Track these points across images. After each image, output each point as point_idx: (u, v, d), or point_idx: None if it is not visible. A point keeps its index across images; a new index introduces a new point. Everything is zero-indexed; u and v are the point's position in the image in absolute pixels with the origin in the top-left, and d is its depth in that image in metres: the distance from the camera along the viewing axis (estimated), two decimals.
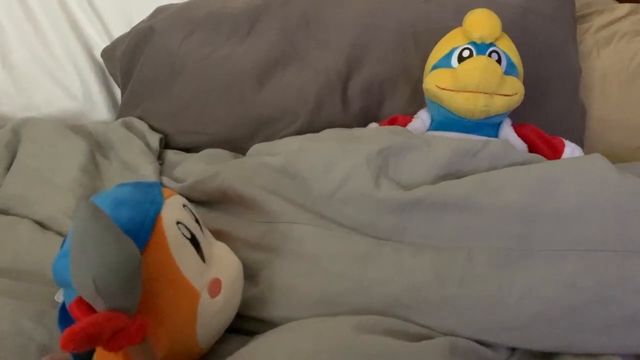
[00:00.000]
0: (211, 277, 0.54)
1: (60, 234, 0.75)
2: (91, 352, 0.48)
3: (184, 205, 0.57)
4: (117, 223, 0.47)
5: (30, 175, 0.86)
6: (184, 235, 0.53)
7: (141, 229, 0.50)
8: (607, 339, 0.56)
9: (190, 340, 0.52)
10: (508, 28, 0.83)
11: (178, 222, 0.53)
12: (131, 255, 0.43)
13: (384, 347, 0.52)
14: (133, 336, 0.42)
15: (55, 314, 0.59)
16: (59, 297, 0.59)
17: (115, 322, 0.41)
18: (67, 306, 0.48)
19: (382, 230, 0.63)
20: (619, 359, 0.56)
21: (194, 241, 0.54)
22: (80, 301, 0.43)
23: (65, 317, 0.49)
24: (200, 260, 0.54)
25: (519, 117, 0.88)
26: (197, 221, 0.58)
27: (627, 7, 1.17)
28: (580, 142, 0.97)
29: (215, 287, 0.54)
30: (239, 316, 0.63)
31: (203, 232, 0.59)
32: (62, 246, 0.54)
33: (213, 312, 0.53)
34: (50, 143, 0.93)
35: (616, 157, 0.80)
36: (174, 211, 0.54)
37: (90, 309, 0.42)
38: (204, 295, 0.52)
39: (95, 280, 0.40)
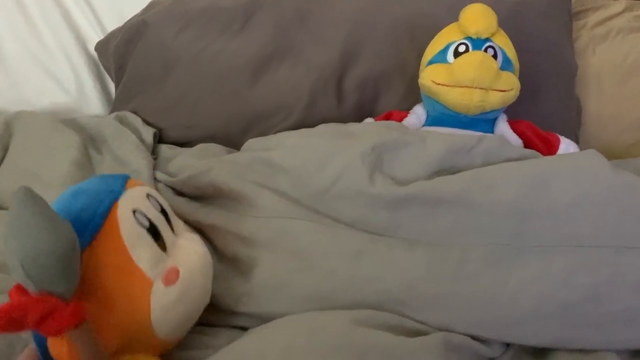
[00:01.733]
0: (168, 265, 0.54)
1: None
2: None
3: (148, 195, 0.57)
4: (70, 210, 0.50)
5: (22, 169, 0.86)
6: (140, 224, 0.53)
7: (93, 217, 0.50)
8: (600, 334, 0.57)
9: (145, 330, 0.51)
10: (503, 24, 0.83)
11: (135, 210, 0.53)
12: (62, 239, 0.43)
13: (378, 342, 0.52)
14: (66, 320, 0.42)
15: None
16: None
17: (43, 305, 0.41)
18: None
19: (376, 226, 0.63)
20: (612, 355, 0.56)
21: (152, 230, 0.54)
22: (18, 287, 0.43)
23: None
24: (157, 249, 0.54)
25: (514, 113, 0.88)
26: (163, 211, 0.58)
27: (622, 4, 1.17)
28: (575, 138, 0.98)
29: (171, 275, 0.53)
30: (231, 312, 0.63)
31: (171, 223, 0.59)
32: None
33: (168, 302, 0.52)
34: (43, 137, 0.92)
35: (611, 154, 0.80)
36: (132, 200, 0.54)
37: (26, 293, 0.43)
38: (157, 284, 0.52)
39: (22, 263, 0.41)
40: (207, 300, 0.59)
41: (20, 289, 0.43)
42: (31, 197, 0.43)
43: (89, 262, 0.48)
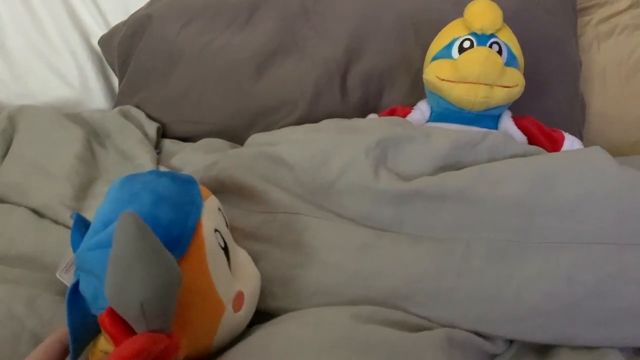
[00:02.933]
0: (236, 290, 0.52)
1: (55, 221, 0.75)
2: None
3: (218, 209, 0.54)
4: (158, 223, 0.45)
5: (26, 163, 0.86)
6: (220, 245, 0.50)
7: (182, 235, 0.46)
8: (605, 331, 0.56)
9: (204, 348, 0.50)
10: (508, 20, 0.83)
11: (215, 230, 0.50)
12: (175, 276, 0.40)
13: (382, 337, 0.52)
14: (171, 355, 0.41)
15: (47, 298, 0.59)
16: (62, 275, 0.58)
17: (159, 345, 0.39)
18: (83, 293, 0.46)
19: (381, 221, 0.63)
20: (616, 352, 0.56)
21: (226, 251, 0.51)
22: (113, 315, 0.40)
23: (75, 298, 0.46)
24: (229, 272, 0.51)
25: (519, 110, 0.88)
26: (226, 225, 0.55)
27: (627, 0, 1.17)
28: (579, 135, 0.97)
29: (239, 301, 0.51)
30: None
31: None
32: (74, 231, 0.51)
33: (233, 325, 0.51)
34: (47, 131, 0.92)
35: (615, 151, 0.80)
36: (212, 216, 0.51)
37: (125, 325, 0.40)
38: (229, 309, 0.50)
39: (143, 304, 0.38)
40: None
41: (116, 319, 0.40)
42: (143, 227, 0.39)
43: None
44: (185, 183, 0.51)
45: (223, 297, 0.49)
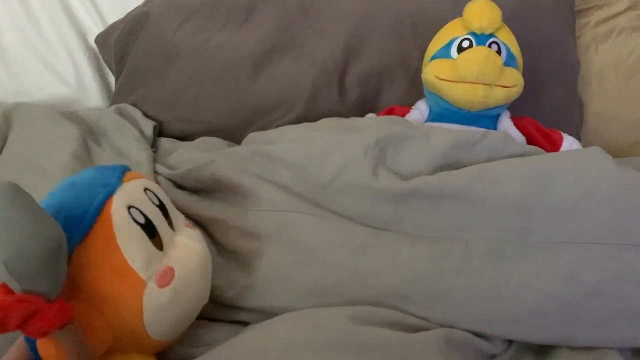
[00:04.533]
0: (163, 265, 0.51)
1: None
2: None
3: (145, 189, 0.55)
4: (62, 205, 0.48)
5: (21, 161, 0.85)
6: (136, 221, 0.50)
7: (85, 213, 0.48)
8: (603, 332, 0.56)
9: (138, 331, 0.49)
10: (507, 20, 0.83)
11: (130, 207, 0.51)
12: (48, 238, 0.41)
13: (379, 338, 0.52)
14: (50, 320, 0.41)
15: None
16: None
17: (26, 305, 0.40)
18: None
19: (379, 220, 0.62)
20: (615, 353, 0.56)
21: (148, 227, 0.52)
22: (2, 284, 0.42)
23: None
24: (152, 247, 0.51)
25: (517, 110, 0.88)
26: (161, 206, 0.55)
27: (625, 2, 1.17)
28: (577, 136, 0.97)
29: (165, 276, 0.51)
30: (232, 306, 0.62)
31: (170, 218, 0.56)
32: None
33: (162, 303, 0.50)
34: (42, 129, 0.92)
35: (613, 152, 0.79)
36: (128, 195, 0.52)
37: (10, 293, 0.41)
38: (151, 285, 0.49)
39: (6, 262, 0.39)
40: (205, 300, 0.57)
41: (4, 288, 0.42)
42: (17, 193, 0.41)
43: (80, 261, 0.47)
44: (107, 169, 0.53)
45: (141, 273, 0.49)
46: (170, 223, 0.56)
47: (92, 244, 0.47)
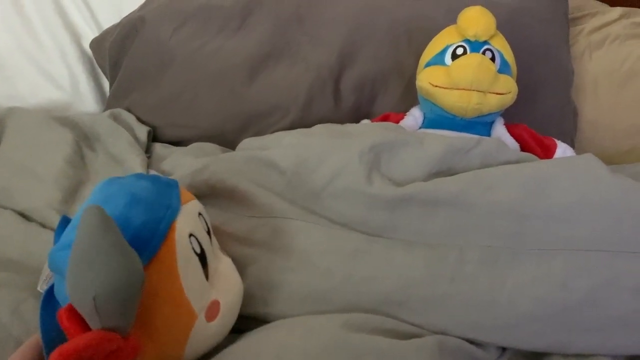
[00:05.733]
0: (211, 298, 0.50)
1: (43, 225, 0.73)
2: None
3: (199, 214, 0.53)
4: (129, 224, 0.45)
5: (15, 166, 0.84)
6: (194, 250, 0.49)
7: (152, 237, 0.45)
8: (597, 339, 0.56)
9: (176, 357, 0.48)
10: (501, 28, 0.83)
11: (191, 235, 0.49)
12: (136, 275, 0.39)
13: (372, 345, 0.51)
14: (127, 357, 0.40)
15: (32, 303, 0.57)
16: (43, 287, 0.57)
17: (110, 344, 0.38)
18: (57, 296, 0.46)
19: (373, 226, 0.62)
20: None
21: (202, 257, 0.50)
22: (72, 311, 0.39)
23: (50, 302, 0.46)
24: (204, 279, 0.50)
25: (511, 117, 0.88)
26: (208, 232, 0.54)
27: (618, 10, 1.18)
28: (571, 143, 0.98)
29: (213, 310, 0.50)
30: None
31: (212, 244, 0.55)
32: (57, 233, 0.51)
33: (206, 336, 0.50)
34: (36, 134, 0.91)
35: (606, 160, 0.79)
36: (188, 220, 0.50)
37: (82, 321, 0.39)
38: (201, 318, 0.48)
39: (96, 299, 0.37)
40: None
41: (74, 315, 0.39)
42: (107, 222, 0.39)
43: None
44: (165, 186, 0.51)
45: (194, 305, 0.48)
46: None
47: (155, 269, 0.45)
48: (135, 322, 0.43)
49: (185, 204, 0.51)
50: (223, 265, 0.55)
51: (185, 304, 0.47)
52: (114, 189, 0.48)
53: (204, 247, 0.51)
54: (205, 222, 0.54)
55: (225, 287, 0.53)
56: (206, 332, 0.49)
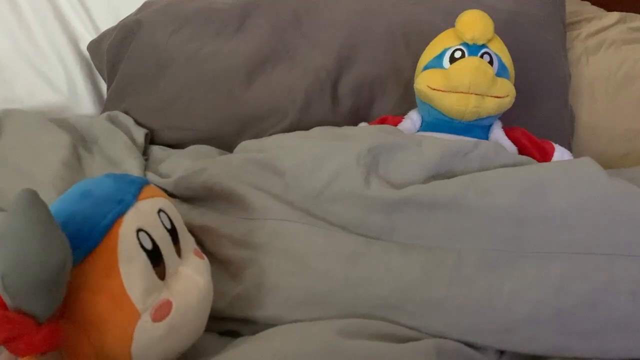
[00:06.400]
0: (162, 298, 0.48)
1: None
2: None
3: (159, 211, 0.51)
4: (74, 217, 0.45)
5: (11, 168, 0.84)
6: (142, 246, 0.47)
7: (92, 231, 0.45)
8: (595, 342, 0.56)
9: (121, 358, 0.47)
10: (498, 32, 0.83)
11: (140, 230, 0.48)
12: (53, 259, 0.38)
13: (368, 350, 0.51)
14: (35, 345, 0.39)
15: None
16: None
17: (11, 327, 0.38)
18: None
19: (371, 229, 0.62)
20: None
21: (154, 253, 0.48)
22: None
23: None
24: (154, 276, 0.48)
25: (508, 121, 0.88)
26: (172, 230, 0.52)
27: (615, 15, 1.19)
28: (568, 147, 0.98)
29: (163, 310, 0.47)
30: (222, 317, 0.62)
31: (180, 244, 0.53)
32: None
33: (153, 337, 0.47)
34: (33, 136, 0.91)
35: (603, 164, 0.79)
36: (140, 216, 0.48)
37: (4, 305, 0.39)
38: (145, 318, 0.46)
39: (4, 277, 0.37)
40: (199, 334, 0.54)
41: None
42: (32, 203, 0.38)
43: (76, 281, 0.44)
44: (127, 183, 0.50)
45: (137, 303, 0.46)
46: (178, 249, 0.53)
47: (92, 264, 0.45)
48: (70, 316, 0.43)
49: (143, 199, 0.50)
50: (186, 268, 0.53)
51: (126, 301, 0.45)
52: (77, 186, 0.49)
53: (159, 244, 0.49)
54: (170, 219, 0.53)
55: (184, 289, 0.50)
56: (153, 333, 0.47)
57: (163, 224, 0.51)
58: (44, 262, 0.38)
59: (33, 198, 0.39)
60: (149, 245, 0.48)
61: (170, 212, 0.53)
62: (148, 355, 0.47)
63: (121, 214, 0.47)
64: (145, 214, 0.49)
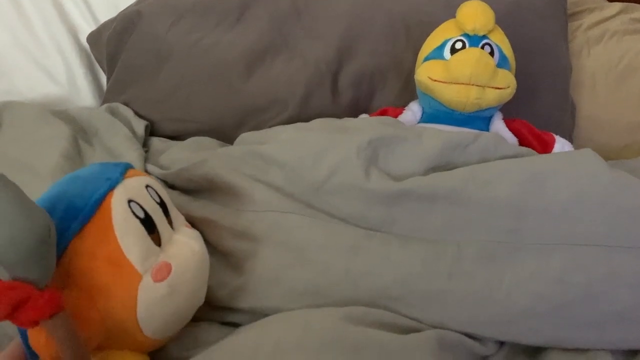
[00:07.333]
0: (160, 260, 0.51)
1: None
2: None
3: (147, 186, 0.55)
4: (65, 195, 0.49)
5: (11, 160, 0.84)
6: (135, 215, 0.51)
7: (86, 204, 0.48)
8: (595, 334, 0.56)
9: (131, 326, 0.49)
10: (500, 23, 0.83)
11: (130, 200, 0.51)
12: (37, 226, 0.41)
13: (371, 339, 0.51)
14: (40, 308, 0.41)
15: None
16: None
17: (16, 292, 0.40)
18: None
19: (371, 221, 0.62)
20: (607, 355, 0.56)
21: (147, 222, 0.52)
22: None
23: None
24: (151, 242, 0.51)
25: (509, 112, 0.88)
26: (162, 205, 0.56)
27: (617, 6, 1.18)
28: (569, 138, 0.98)
29: (161, 271, 0.50)
30: (223, 307, 0.62)
31: (170, 217, 0.56)
32: None
33: (156, 297, 0.50)
34: (32, 128, 0.91)
35: (604, 155, 0.79)
36: (129, 190, 0.52)
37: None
38: (146, 279, 0.49)
39: None
40: (200, 301, 0.57)
41: None
42: (4, 184, 0.41)
43: (77, 251, 0.47)
44: (110, 165, 0.54)
45: (137, 265, 0.49)
46: (170, 222, 0.56)
47: (89, 234, 0.48)
48: (75, 285, 0.46)
49: (129, 177, 0.53)
50: (181, 235, 0.56)
51: (126, 264, 0.48)
52: (65, 176, 0.53)
53: (150, 213, 0.53)
54: (158, 194, 0.56)
55: (180, 253, 0.54)
56: (156, 292, 0.50)
57: (152, 198, 0.54)
58: (30, 230, 0.40)
59: (4, 179, 0.42)
60: (141, 214, 0.51)
61: (157, 188, 0.57)
62: (153, 317, 0.50)
63: (111, 188, 0.51)
64: (134, 188, 0.53)
